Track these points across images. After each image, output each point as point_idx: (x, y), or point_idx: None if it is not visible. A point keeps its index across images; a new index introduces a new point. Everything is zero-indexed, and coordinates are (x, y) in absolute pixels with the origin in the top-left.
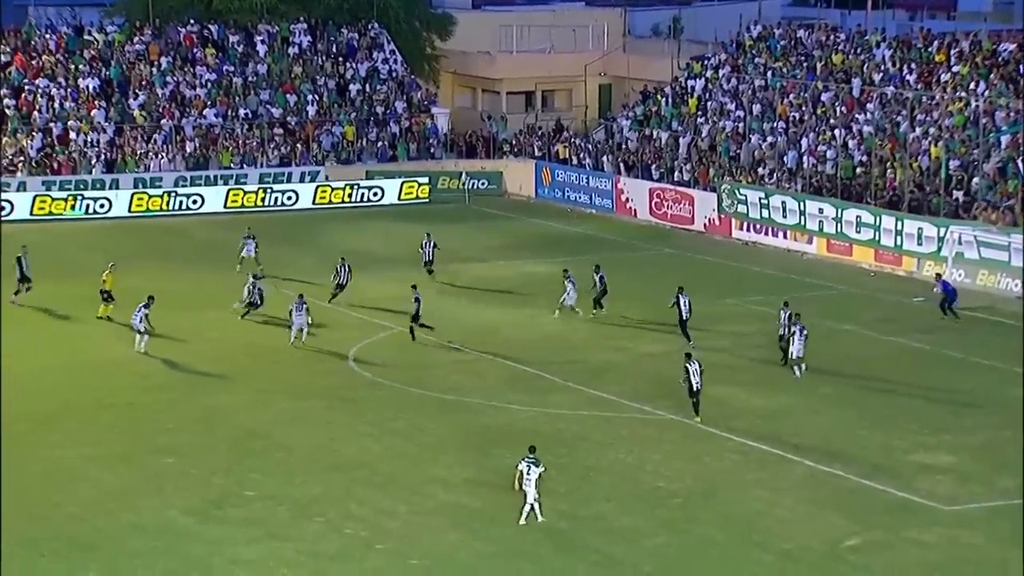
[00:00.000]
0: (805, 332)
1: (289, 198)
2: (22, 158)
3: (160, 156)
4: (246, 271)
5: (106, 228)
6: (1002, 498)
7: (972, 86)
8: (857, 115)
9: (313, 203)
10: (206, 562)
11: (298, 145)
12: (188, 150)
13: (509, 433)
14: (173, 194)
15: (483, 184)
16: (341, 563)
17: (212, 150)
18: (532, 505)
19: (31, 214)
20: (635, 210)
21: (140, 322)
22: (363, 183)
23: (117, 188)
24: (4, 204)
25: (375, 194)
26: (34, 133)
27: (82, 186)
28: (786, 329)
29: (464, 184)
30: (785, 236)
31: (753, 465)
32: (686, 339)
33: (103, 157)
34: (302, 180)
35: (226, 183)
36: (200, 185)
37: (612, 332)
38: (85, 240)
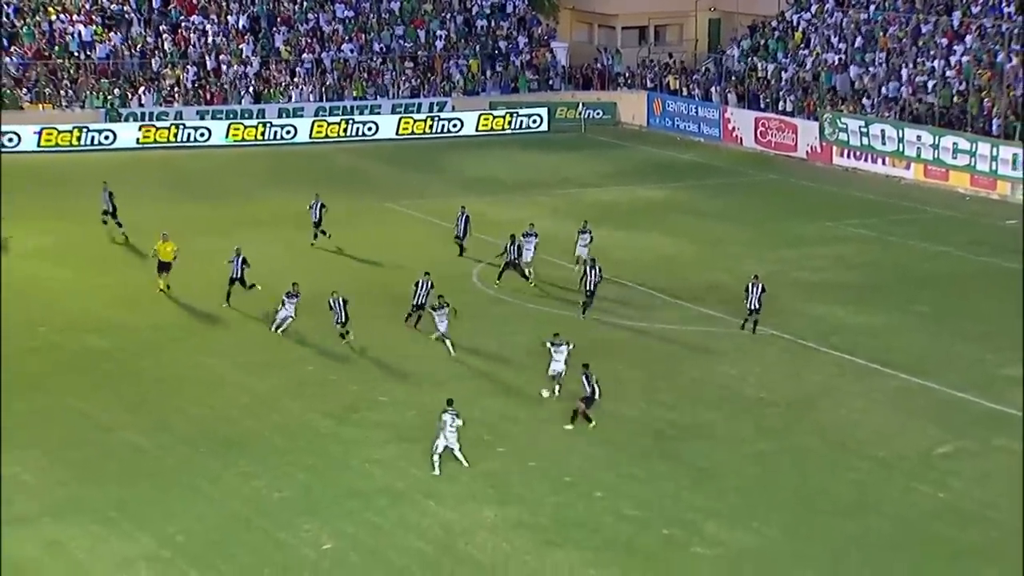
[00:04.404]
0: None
1: (455, 125)
2: (178, 89)
3: (300, 88)
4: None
5: (284, 154)
6: None
7: None
8: (956, 46)
9: (476, 130)
10: (343, 461)
11: (427, 77)
12: (327, 82)
13: (620, 347)
14: (350, 121)
15: (598, 114)
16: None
17: (348, 83)
18: (456, 451)
19: (227, 139)
20: (741, 138)
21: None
22: (522, 111)
23: (301, 116)
24: (203, 130)
25: (534, 121)
26: (188, 66)
27: (284, 114)
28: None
29: (580, 114)
30: (884, 162)
31: (849, 378)
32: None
33: (251, 88)
34: (431, 110)
35: (362, 113)
36: (375, 114)
37: (718, 253)
38: (263, 165)
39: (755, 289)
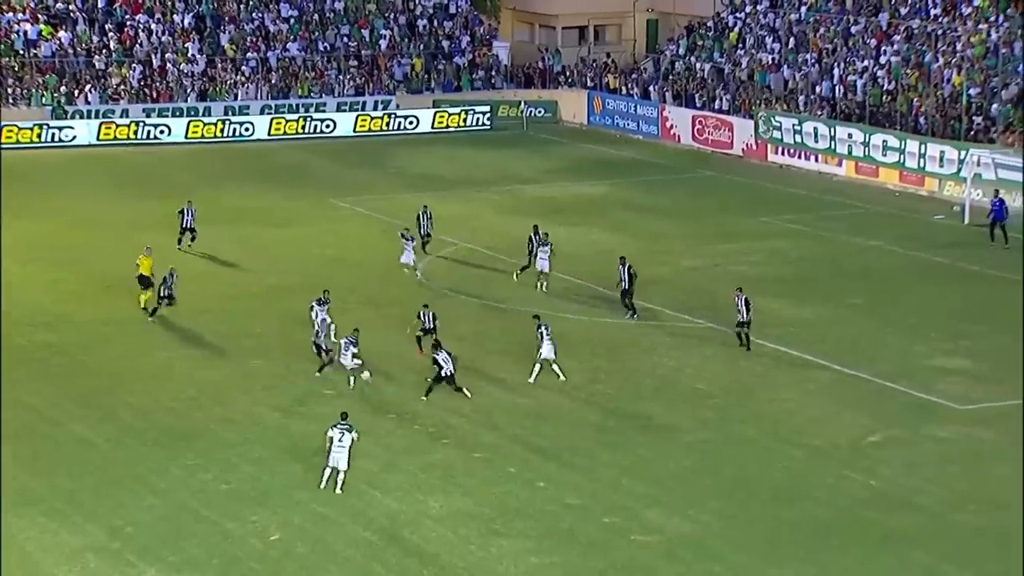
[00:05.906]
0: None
1: (411, 123)
2: (124, 87)
3: (247, 86)
4: None
5: (236, 151)
6: (1013, 398)
7: (992, 19)
8: (884, 47)
9: (432, 127)
10: (292, 453)
11: (372, 75)
12: (272, 81)
13: (563, 340)
14: (308, 119)
15: (540, 112)
16: (411, 455)
17: (294, 81)
18: (342, 473)
19: (186, 137)
20: (679, 135)
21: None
22: (478, 108)
23: (258, 113)
24: (163, 127)
25: (488, 119)
26: (134, 65)
27: (230, 112)
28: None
29: (522, 112)
30: (817, 159)
31: (784, 369)
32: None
33: (196, 87)
34: (375, 108)
35: (307, 110)
36: (321, 111)
37: (656, 248)
38: (215, 162)
39: (739, 302)
